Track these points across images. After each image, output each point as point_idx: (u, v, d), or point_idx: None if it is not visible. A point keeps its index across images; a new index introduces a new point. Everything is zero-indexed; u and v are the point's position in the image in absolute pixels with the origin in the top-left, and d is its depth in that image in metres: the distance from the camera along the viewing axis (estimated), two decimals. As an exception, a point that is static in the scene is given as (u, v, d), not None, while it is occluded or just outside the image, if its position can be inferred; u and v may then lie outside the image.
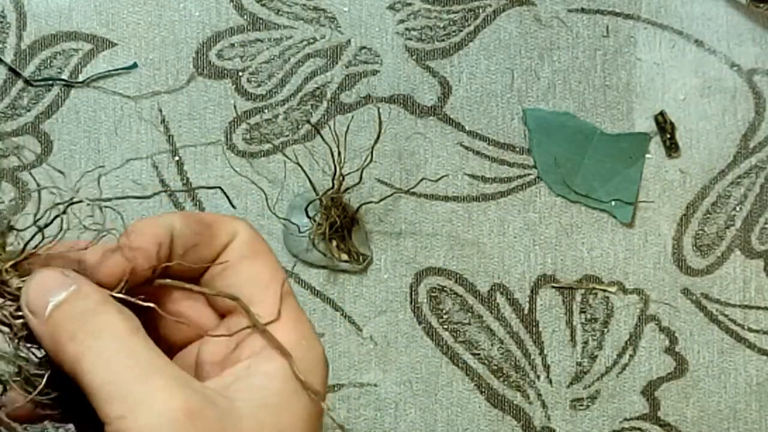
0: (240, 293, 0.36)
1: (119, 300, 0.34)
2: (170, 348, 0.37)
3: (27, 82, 0.60)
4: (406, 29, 0.62)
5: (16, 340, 0.33)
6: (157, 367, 0.32)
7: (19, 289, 0.33)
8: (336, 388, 0.62)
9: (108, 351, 0.31)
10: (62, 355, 0.32)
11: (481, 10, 0.63)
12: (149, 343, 0.32)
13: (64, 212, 0.35)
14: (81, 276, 0.33)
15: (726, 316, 0.63)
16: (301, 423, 0.34)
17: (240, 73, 0.61)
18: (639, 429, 0.63)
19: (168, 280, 0.36)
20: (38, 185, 0.37)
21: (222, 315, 0.37)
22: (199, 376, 0.35)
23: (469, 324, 0.62)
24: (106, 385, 0.31)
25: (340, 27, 0.62)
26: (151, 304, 0.34)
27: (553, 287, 0.63)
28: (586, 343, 0.63)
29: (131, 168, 0.61)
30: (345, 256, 0.61)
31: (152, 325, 0.36)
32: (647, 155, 0.63)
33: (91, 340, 0.31)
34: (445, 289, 0.62)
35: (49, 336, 0.32)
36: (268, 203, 0.61)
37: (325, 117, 0.62)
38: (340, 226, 0.60)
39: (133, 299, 0.34)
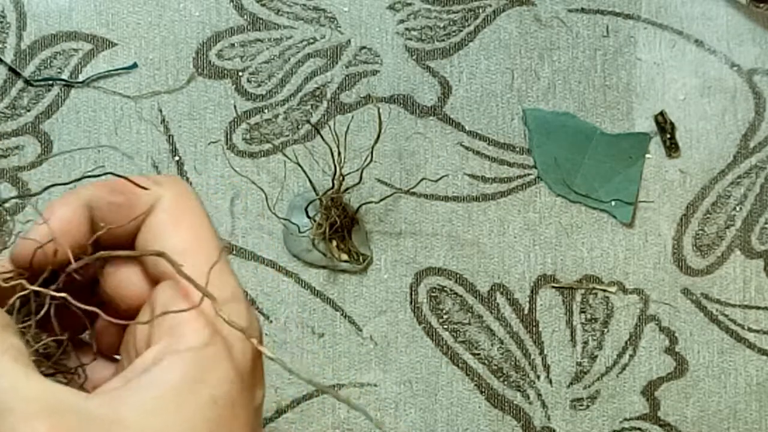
0: (159, 266, 0.34)
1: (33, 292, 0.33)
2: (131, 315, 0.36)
3: (27, 82, 0.60)
4: (406, 29, 0.62)
5: None
6: (34, 395, 0.30)
7: None
8: (336, 388, 0.62)
9: None
10: None
11: (481, 10, 0.63)
12: (27, 367, 0.31)
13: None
14: None
15: (726, 316, 0.63)
16: (204, 423, 0.31)
17: (240, 73, 0.61)
18: (639, 429, 0.63)
19: (84, 259, 0.34)
20: None
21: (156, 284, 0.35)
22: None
23: (469, 324, 0.62)
24: None
25: (340, 27, 0.62)
26: (62, 294, 0.33)
27: (553, 287, 0.63)
28: (586, 343, 0.63)
29: (131, 168, 0.61)
30: (345, 256, 0.61)
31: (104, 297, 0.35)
32: (647, 155, 0.63)
33: None
34: (445, 289, 0.62)
35: None
36: (268, 203, 0.61)
37: (325, 117, 0.62)
38: (340, 226, 0.60)
39: (39, 289, 0.33)
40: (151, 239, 0.34)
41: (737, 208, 0.64)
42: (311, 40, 0.62)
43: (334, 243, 0.61)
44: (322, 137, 0.61)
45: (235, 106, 0.61)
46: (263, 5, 0.62)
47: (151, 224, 0.35)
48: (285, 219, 0.61)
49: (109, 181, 0.35)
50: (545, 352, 0.63)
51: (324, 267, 0.62)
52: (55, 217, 0.34)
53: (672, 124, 0.63)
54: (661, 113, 0.63)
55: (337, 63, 0.62)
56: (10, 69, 0.60)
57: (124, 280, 0.35)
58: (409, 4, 0.62)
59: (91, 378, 0.35)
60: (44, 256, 0.33)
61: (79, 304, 0.33)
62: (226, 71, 0.61)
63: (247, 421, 0.32)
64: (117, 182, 0.35)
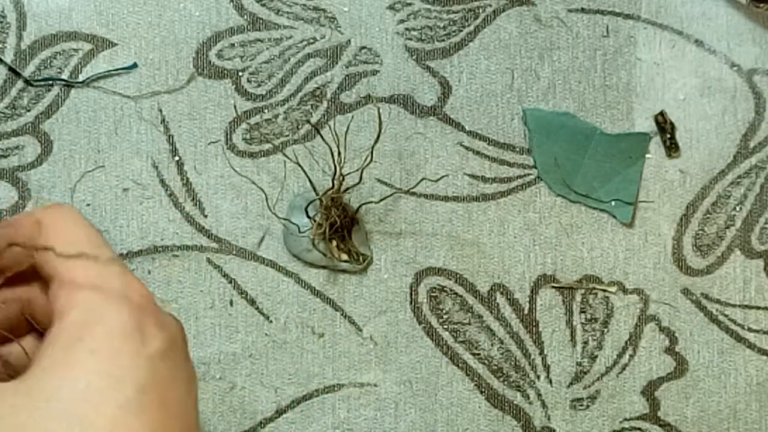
0: (52, 268, 0.38)
1: None
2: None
3: (27, 82, 0.60)
4: (406, 29, 0.62)
5: None
6: None
7: None
8: (336, 388, 0.62)
9: None
10: None
11: (481, 10, 0.63)
12: None
13: None
14: None
15: (726, 316, 0.63)
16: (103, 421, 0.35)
17: (240, 73, 0.61)
18: (639, 429, 0.63)
19: None
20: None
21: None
22: None
23: (469, 324, 0.62)
24: None
25: (340, 27, 0.62)
26: None
27: (553, 287, 0.63)
28: (586, 343, 0.63)
29: (131, 168, 0.61)
30: (345, 256, 0.61)
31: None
32: (647, 155, 0.63)
33: None
34: (445, 289, 0.62)
35: None
36: (268, 203, 0.61)
37: (325, 117, 0.62)
38: (340, 226, 0.60)
39: None
40: (40, 256, 0.38)
41: (737, 208, 0.64)
42: (311, 40, 0.62)
43: (334, 243, 0.61)
44: (322, 137, 0.61)
45: (235, 106, 0.61)
46: (263, 5, 0.62)
47: (38, 242, 0.39)
48: (285, 219, 0.61)
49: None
50: (545, 352, 0.63)
51: (324, 267, 0.62)
52: None
53: (672, 124, 0.63)
54: (661, 113, 0.63)
55: (337, 63, 0.62)
56: (10, 69, 0.60)
57: (34, 297, 0.41)
58: (409, 4, 0.62)
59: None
60: None
61: None
62: (226, 71, 0.61)
63: (134, 365, 0.35)
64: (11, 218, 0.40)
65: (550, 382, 0.63)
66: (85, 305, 0.36)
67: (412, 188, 0.62)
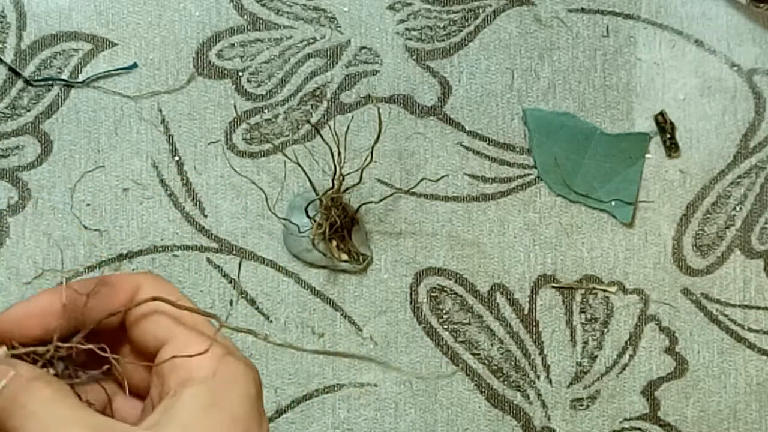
0: (157, 338, 0.38)
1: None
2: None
3: (27, 82, 0.60)
4: (406, 29, 0.62)
5: None
6: (78, 419, 0.34)
7: None
8: (336, 388, 0.62)
9: (37, 415, 0.35)
10: (6, 427, 0.35)
11: (481, 10, 0.63)
12: (74, 401, 0.36)
13: None
14: (14, 360, 0.37)
15: (726, 316, 0.63)
16: None
17: (240, 73, 0.61)
18: (639, 429, 0.63)
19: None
20: None
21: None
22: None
23: (469, 324, 0.62)
24: None
25: (340, 27, 0.62)
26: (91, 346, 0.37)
27: (553, 287, 0.63)
28: (586, 343, 0.63)
29: (131, 168, 0.61)
30: (345, 256, 0.61)
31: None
32: (647, 155, 0.63)
33: (23, 412, 0.35)
34: (445, 289, 0.62)
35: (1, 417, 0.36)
36: (268, 203, 0.61)
37: (325, 117, 0.62)
38: (340, 226, 0.60)
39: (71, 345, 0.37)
40: (141, 319, 0.38)
41: (737, 208, 0.64)
42: (311, 40, 0.62)
43: (334, 243, 0.61)
44: (322, 137, 0.61)
45: (235, 106, 0.61)
46: (263, 5, 0.62)
47: (136, 309, 0.38)
48: (285, 219, 0.61)
49: (91, 279, 0.39)
50: (545, 352, 0.63)
51: (324, 267, 0.62)
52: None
53: (672, 124, 0.63)
54: (661, 113, 0.63)
55: (337, 63, 0.62)
56: (10, 69, 0.60)
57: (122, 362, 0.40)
58: (409, 4, 0.62)
59: (121, 417, 0.40)
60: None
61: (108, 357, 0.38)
62: (226, 71, 0.61)
63: None
64: (98, 278, 0.39)
65: (550, 382, 0.63)
66: (218, 369, 0.36)
67: (412, 188, 0.62)
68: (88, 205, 0.61)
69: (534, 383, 0.62)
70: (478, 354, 0.62)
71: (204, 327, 0.38)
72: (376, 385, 0.62)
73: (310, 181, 0.60)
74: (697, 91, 0.63)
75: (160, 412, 0.36)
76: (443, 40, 0.63)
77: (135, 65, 0.61)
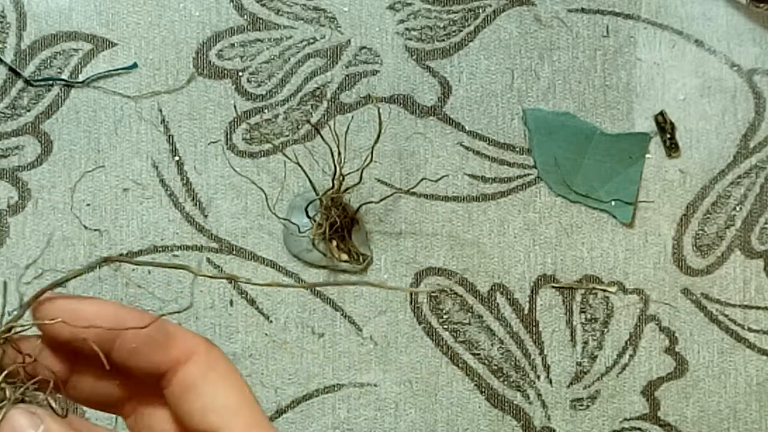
0: (206, 421, 0.34)
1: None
2: None
3: (27, 82, 0.60)
4: (406, 29, 0.62)
5: None
6: None
7: None
8: (336, 388, 0.62)
9: None
10: None
11: (481, 10, 0.63)
12: None
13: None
14: (46, 412, 0.34)
15: (726, 316, 0.63)
16: None
17: (240, 73, 0.61)
18: (639, 429, 0.63)
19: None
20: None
21: None
22: None
23: (469, 324, 0.62)
24: None
25: (340, 27, 0.62)
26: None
27: (553, 287, 0.63)
28: (586, 343, 0.63)
29: (131, 168, 0.61)
30: (345, 256, 0.61)
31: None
32: (647, 155, 0.63)
33: None
34: (445, 289, 0.62)
35: None
36: (268, 203, 0.61)
37: (325, 117, 0.62)
38: (340, 226, 0.60)
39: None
40: (192, 391, 0.34)
41: (737, 208, 0.64)
42: (311, 40, 0.62)
43: (334, 243, 0.61)
44: (322, 137, 0.61)
45: (235, 106, 0.61)
46: (263, 5, 0.62)
47: (187, 373, 0.34)
48: (285, 219, 0.61)
49: (146, 313, 0.35)
50: (545, 352, 0.63)
51: (324, 267, 0.62)
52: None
53: (672, 124, 0.63)
54: (661, 113, 0.63)
55: (337, 63, 0.62)
56: (10, 69, 0.60)
57: (155, 421, 0.36)
58: (409, 4, 0.62)
59: None
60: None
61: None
62: (226, 71, 0.61)
63: None
64: (159, 321, 0.35)
65: (550, 382, 0.63)
66: None
67: (412, 188, 0.62)
68: (88, 205, 0.61)
69: (534, 383, 0.62)
70: (478, 354, 0.62)
71: (264, 425, 0.33)
72: (376, 385, 0.62)
73: (310, 181, 0.60)
74: (697, 91, 0.63)
75: None
76: (443, 40, 0.63)
77: (135, 65, 0.61)
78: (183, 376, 0.34)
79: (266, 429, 0.34)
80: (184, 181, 0.61)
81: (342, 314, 0.62)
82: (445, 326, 0.62)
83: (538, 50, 0.63)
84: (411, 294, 0.62)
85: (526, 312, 0.63)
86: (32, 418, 0.33)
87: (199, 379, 0.34)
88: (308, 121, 0.62)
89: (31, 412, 0.33)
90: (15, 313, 0.34)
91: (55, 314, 0.33)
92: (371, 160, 0.60)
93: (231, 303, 0.61)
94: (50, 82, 0.60)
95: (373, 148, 0.60)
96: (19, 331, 0.34)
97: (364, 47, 0.62)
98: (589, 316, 0.63)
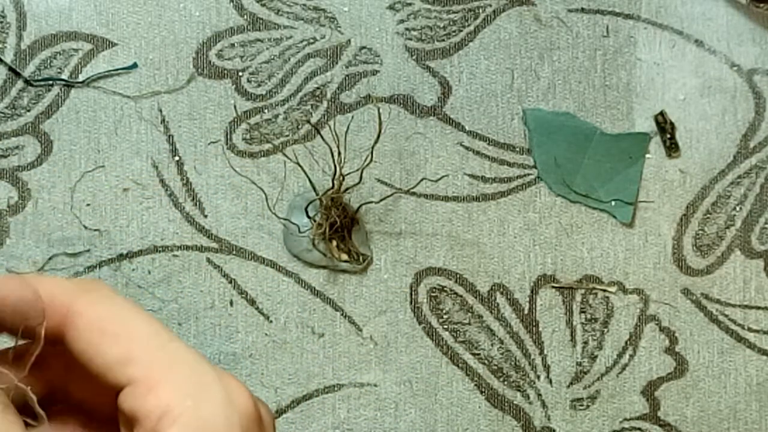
0: (112, 374, 0.31)
1: None
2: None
3: (27, 82, 0.60)
4: (406, 29, 0.62)
5: None
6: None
7: None
8: (336, 388, 0.62)
9: None
10: None
11: (481, 10, 0.63)
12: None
13: None
14: None
15: (726, 316, 0.63)
16: None
17: (240, 73, 0.61)
18: (639, 429, 0.63)
19: None
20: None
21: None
22: None
23: (469, 324, 0.62)
24: None
25: (340, 27, 0.62)
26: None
27: (553, 287, 0.63)
28: (586, 343, 0.63)
29: (131, 168, 0.61)
30: (345, 256, 0.61)
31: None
32: (647, 155, 0.63)
33: None
34: (445, 289, 0.62)
35: None
36: (268, 203, 0.61)
37: (325, 117, 0.62)
38: (340, 226, 0.60)
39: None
40: (90, 349, 0.32)
41: (737, 208, 0.64)
42: (311, 40, 0.62)
43: (334, 243, 0.61)
44: (322, 137, 0.61)
45: (235, 106, 0.61)
46: (263, 5, 0.62)
47: (69, 339, 0.32)
48: (285, 219, 0.61)
49: (14, 278, 0.32)
50: (545, 352, 0.63)
51: (324, 267, 0.62)
52: None
53: (672, 124, 0.63)
54: (661, 113, 0.63)
55: (337, 63, 0.62)
56: (10, 69, 0.60)
57: (85, 387, 0.34)
58: (409, 4, 0.62)
59: None
60: None
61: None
62: (226, 71, 0.61)
63: None
64: (23, 284, 0.32)
65: (550, 382, 0.63)
66: (188, 420, 0.30)
67: (412, 188, 0.62)
68: (88, 205, 0.61)
69: (534, 383, 0.62)
70: (478, 354, 0.62)
71: (169, 353, 0.31)
72: (376, 385, 0.62)
73: (310, 181, 0.60)
74: (697, 91, 0.63)
75: None
76: (443, 40, 0.63)
77: (135, 65, 0.61)
78: (69, 343, 0.32)
79: (166, 347, 0.32)
80: (184, 181, 0.61)
81: (342, 314, 0.62)
82: (445, 326, 0.62)
83: (538, 50, 0.63)
84: (411, 294, 0.62)
85: (526, 312, 0.63)
86: None
87: (79, 342, 0.32)
88: (308, 121, 0.62)
89: None
90: None
91: None
92: (371, 160, 0.60)
93: (231, 303, 0.61)
94: (50, 82, 0.60)
95: (373, 148, 0.60)
96: None
97: (364, 47, 0.62)
98: (589, 316, 0.63)
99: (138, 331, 0.32)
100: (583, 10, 0.63)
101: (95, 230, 0.61)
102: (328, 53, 0.62)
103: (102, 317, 0.32)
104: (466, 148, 0.63)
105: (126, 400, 0.31)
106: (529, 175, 0.63)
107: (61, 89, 0.61)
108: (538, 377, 0.62)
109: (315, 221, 0.60)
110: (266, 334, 0.61)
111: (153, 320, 0.33)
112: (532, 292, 0.63)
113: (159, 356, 0.31)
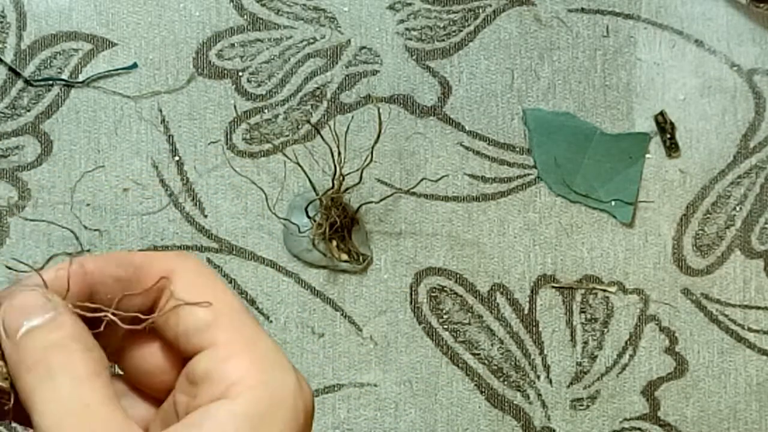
0: (192, 342, 0.32)
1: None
2: (156, 397, 0.35)
3: (27, 82, 0.60)
4: (406, 29, 0.62)
5: None
6: (104, 418, 0.29)
7: None
8: (336, 388, 0.62)
9: (59, 393, 0.30)
10: (19, 383, 0.30)
11: (481, 10, 0.63)
12: (107, 390, 0.30)
13: None
14: (63, 303, 0.31)
15: (726, 316, 0.63)
16: None
17: (240, 73, 0.61)
18: (639, 429, 0.63)
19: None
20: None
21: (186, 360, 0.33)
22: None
23: (469, 324, 0.62)
24: (48, 429, 0.29)
25: (340, 27, 0.62)
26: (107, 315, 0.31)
27: (553, 287, 0.63)
28: (586, 343, 0.63)
29: (131, 168, 0.61)
30: (345, 256, 0.61)
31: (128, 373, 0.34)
32: (647, 155, 0.63)
33: (48, 376, 0.30)
34: (445, 289, 0.62)
35: (14, 360, 0.30)
36: (268, 203, 0.61)
37: (325, 117, 0.62)
38: (340, 226, 0.60)
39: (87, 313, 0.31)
40: (175, 314, 0.32)
41: (737, 208, 0.64)
42: (311, 40, 0.62)
43: (334, 243, 0.61)
44: (322, 137, 0.61)
45: (235, 106, 0.61)
46: (263, 5, 0.62)
47: (166, 299, 0.33)
48: (285, 219, 0.61)
49: (114, 253, 0.33)
50: (545, 352, 0.63)
51: (324, 267, 0.62)
52: (49, 275, 0.32)
53: (672, 124, 0.63)
54: (661, 113, 0.63)
55: (337, 63, 0.62)
56: (10, 69, 0.60)
57: (146, 357, 0.34)
58: (409, 4, 0.62)
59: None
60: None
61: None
62: (226, 71, 0.61)
63: None
64: (126, 255, 0.33)
65: (550, 382, 0.63)
66: (258, 397, 0.31)
67: (412, 188, 0.62)
68: (88, 205, 0.61)
69: (534, 383, 0.62)
70: (478, 354, 0.62)
71: (252, 328, 0.32)
72: (376, 385, 0.62)
73: (310, 181, 0.60)
74: (697, 91, 0.63)
75: (185, 427, 0.30)
76: (443, 40, 0.63)
77: (135, 65, 0.61)
78: (163, 304, 0.32)
79: (249, 328, 0.32)
80: (184, 181, 0.61)
81: (342, 314, 0.62)
82: (445, 326, 0.62)
83: (538, 50, 0.63)
84: (411, 294, 0.62)
85: (526, 312, 0.63)
86: (44, 304, 0.30)
87: (179, 297, 0.32)
88: (308, 121, 0.62)
89: (46, 297, 0.31)
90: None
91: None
92: (371, 160, 0.60)
93: (231, 303, 0.61)
94: (50, 82, 0.60)
95: (373, 148, 0.60)
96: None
97: (364, 47, 0.62)
98: (589, 316, 0.63)
99: (226, 301, 0.32)
100: (583, 10, 0.63)
101: (95, 230, 0.61)
102: (328, 53, 0.62)
103: (195, 283, 0.32)
104: (466, 148, 0.63)
105: (202, 360, 0.31)
106: (529, 175, 0.63)
107: (61, 89, 0.61)
108: (538, 377, 0.63)
109: (315, 221, 0.60)
110: (266, 334, 0.61)
111: (238, 297, 0.33)
112: (532, 292, 0.63)
113: (243, 329, 0.32)
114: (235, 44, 0.61)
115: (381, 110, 0.62)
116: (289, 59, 0.62)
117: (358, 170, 0.60)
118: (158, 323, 0.33)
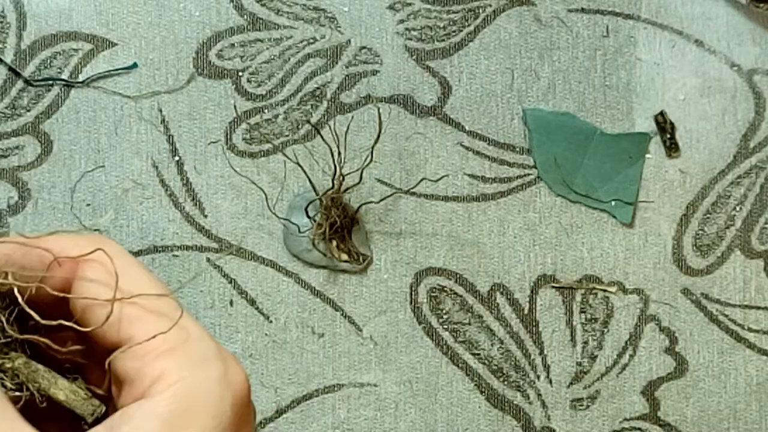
0: (104, 335, 0.30)
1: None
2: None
3: (27, 82, 0.60)
4: (406, 29, 0.62)
5: None
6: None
7: None
8: (336, 388, 0.62)
9: None
10: None
11: (481, 10, 0.63)
12: (9, 411, 0.29)
13: None
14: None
15: (726, 316, 0.63)
16: None
17: (240, 73, 0.61)
18: (639, 429, 0.63)
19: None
20: None
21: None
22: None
23: (469, 324, 0.62)
24: None
25: (340, 27, 0.62)
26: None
27: (553, 287, 0.63)
28: (586, 343, 0.63)
29: (131, 168, 0.61)
30: (345, 256, 0.61)
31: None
32: (647, 155, 0.63)
33: None
34: (445, 289, 0.62)
35: None
36: (268, 203, 0.61)
37: (325, 117, 0.62)
38: (340, 226, 0.60)
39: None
40: (81, 310, 0.31)
41: (737, 208, 0.64)
42: (311, 40, 0.62)
43: (334, 243, 0.61)
44: (322, 137, 0.61)
45: (235, 106, 0.61)
46: (263, 5, 0.62)
47: (83, 283, 0.31)
48: (285, 219, 0.61)
49: (20, 239, 0.31)
50: (545, 352, 0.63)
51: (324, 267, 0.62)
52: None
53: (672, 124, 0.63)
54: (661, 113, 0.63)
55: (337, 63, 0.62)
56: (10, 69, 0.60)
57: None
58: (409, 4, 0.62)
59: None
60: None
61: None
62: (226, 71, 0.61)
63: None
64: (29, 241, 0.31)
65: (550, 382, 0.63)
66: (180, 394, 0.30)
67: (412, 188, 0.62)
68: (88, 205, 0.61)
69: (534, 383, 0.62)
70: (478, 354, 0.62)
71: (171, 316, 0.30)
72: (376, 385, 0.62)
73: (310, 181, 0.60)
74: (697, 91, 0.63)
75: (106, 429, 0.30)
76: (443, 40, 0.63)
77: (135, 65, 0.61)
78: (81, 286, 0.31)
79: (171, 315, 0.31)
80: (184, 181, 0.61)
81: (342, 314, 0.62)
82: (445, 326, 0.62)
83: (538, 50, 0.63)
84: (411, 294, 0.62)
85: (526, 312, 0.63)
86: None
87: (89, 286, 0.31)
88: (308, 121, 0.62)
89: None
90: None
91: None
92: (371, 160, 0.60)
93: (231, 303, 0.61)
94: (50, 82, 0.60)
95: (373, 148, 0.60)
96: None
97: (364, 47, 0.62)
98: (589, 316, 0.63)
99: (142, 288, 0.31)
100: (583, 10, 0.63)
101: (95, 230, 0.61)
102: (328, 53, 0.62)
103: (112, 273, 0.31)
104: (466, 148, 0.63)
105: (120, 358, 0.30)
106: (529, 175, 0.63)
107: (61, 89, 0.61)
108: (538, 377, 0.62)
109: (315, 221, 0.60)
110: (266, 334, 0.61)
111: (162, 285, 0.32)
112: (532, 292, 0.63)
113: (164, 322, 0.31)
114: (235, 44, 0.61)
115: (381, 110, 0.62)
116: (289, 59, 0.62)
117: (358, 170, 0.60)
118: (86, 312, 0.31)
